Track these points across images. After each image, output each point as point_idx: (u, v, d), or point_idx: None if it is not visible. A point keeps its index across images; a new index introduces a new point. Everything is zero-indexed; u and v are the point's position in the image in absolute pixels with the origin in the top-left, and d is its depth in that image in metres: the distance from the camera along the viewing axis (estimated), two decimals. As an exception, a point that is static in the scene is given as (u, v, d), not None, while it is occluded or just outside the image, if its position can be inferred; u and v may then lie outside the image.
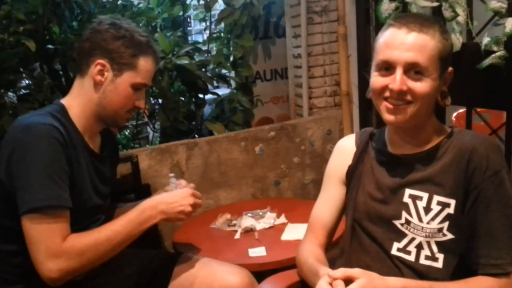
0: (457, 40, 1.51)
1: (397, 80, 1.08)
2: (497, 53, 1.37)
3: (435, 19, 1.17)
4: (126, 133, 3.11)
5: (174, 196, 1.43)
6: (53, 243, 1.23)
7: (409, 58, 1.08)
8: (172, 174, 1.62)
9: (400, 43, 1.09)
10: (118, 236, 1.33)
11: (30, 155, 1.25)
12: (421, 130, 1.17)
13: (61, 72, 2.33)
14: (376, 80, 1.13)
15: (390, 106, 1.12)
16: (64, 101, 1.44)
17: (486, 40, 1.40)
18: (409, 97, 1.10)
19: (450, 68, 1.15)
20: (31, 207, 1.22)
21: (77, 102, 1.42)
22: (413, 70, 1.08)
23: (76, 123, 1.40)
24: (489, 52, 1.39)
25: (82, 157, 1.39)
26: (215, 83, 2.74)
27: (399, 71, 1.08)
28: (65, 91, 1.52)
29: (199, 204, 1.46)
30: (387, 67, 1.11)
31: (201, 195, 1.49)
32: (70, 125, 1.38)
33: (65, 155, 1.29)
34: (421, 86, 1.09)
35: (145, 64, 1.42)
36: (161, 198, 1.43)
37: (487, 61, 1.39)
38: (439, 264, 1.12)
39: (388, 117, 1.13)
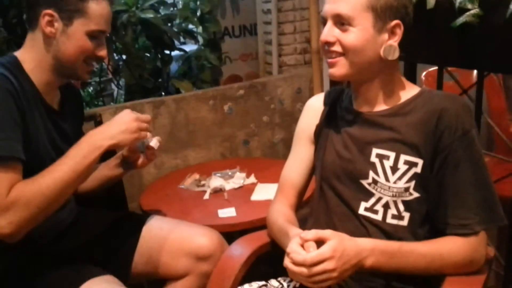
0: (431, -3, 1.48)
1: (324, 32, 1.12)
2: (471, 11, 1.35)
3: None
4: (90, 90, 3.01)
5: (115, 121, 1.33)
6: None
7: (333, 9, 1.10)
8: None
9: None
10: (64, 176, 1.23)
11: None
12: (374, 86, 1.16)
13: (17, 25, 2.20)
14: (321, 35, 1.16)
15: (327, 60, 1.14)
16: (18, 54, 1.34)
17: (460, -3, 1.38)
18: (338, 49, 1.11)
19: (396, 21, 1.10)
20: None
21: (31, 57, 1.32)
22: (340, 21, 1.10)
23: (31, 76, 1.31)
24: (463, 10, 1.37)
25: (37, 111, 1.30)
26: (181, 39, 2.65)
27: (328, 24, 1.12)
28: (22, 45, 1.43)
29: (145, 127, 1.36)
30: (324, 22, 1.14)
31: (149, 118, 1.39)
32: (24, 78, 1.29)
33: (17, 107, 1.21)
34: (348, 36, 1.10)
35: (96, 7, 1.30)
36: (101, 126, 1.34)
37: (461, 19, 1.36)
38: (404, 223, 1.13)
39: (329, 71, 1.16)
